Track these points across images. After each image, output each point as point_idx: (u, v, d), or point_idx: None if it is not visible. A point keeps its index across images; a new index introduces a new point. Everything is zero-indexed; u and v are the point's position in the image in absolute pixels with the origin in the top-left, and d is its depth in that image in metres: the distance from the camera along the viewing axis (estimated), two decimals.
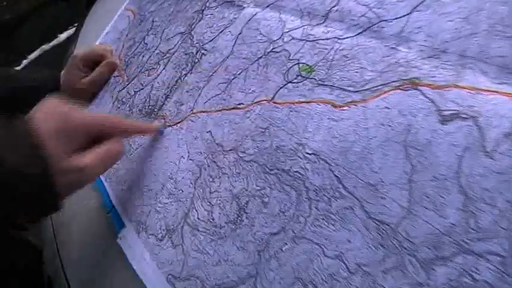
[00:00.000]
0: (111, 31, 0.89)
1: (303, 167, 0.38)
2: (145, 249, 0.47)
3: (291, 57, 0.45)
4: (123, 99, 0.65)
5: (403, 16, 0.40)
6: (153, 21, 0.74)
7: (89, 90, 0.75)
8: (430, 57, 0.36)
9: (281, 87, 0.44)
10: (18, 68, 3.00)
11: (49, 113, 0.41)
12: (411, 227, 0.31)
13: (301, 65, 0.44)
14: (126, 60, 0.73)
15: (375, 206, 0.33)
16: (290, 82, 0.44)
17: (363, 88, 0.38)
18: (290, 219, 0.37)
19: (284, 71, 0.45)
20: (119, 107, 0.65)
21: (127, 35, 0.81)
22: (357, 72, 0.39)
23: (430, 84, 0.34)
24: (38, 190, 0.38)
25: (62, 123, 0.41)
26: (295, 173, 0.38)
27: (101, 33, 0.94)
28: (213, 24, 0.58)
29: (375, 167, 0.34)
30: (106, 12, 1.09)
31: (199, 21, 0.61)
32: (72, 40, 1.17)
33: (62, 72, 0.78)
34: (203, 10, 0.62)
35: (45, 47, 3.07)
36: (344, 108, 0.38)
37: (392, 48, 0.39)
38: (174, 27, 0.66)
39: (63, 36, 3.05)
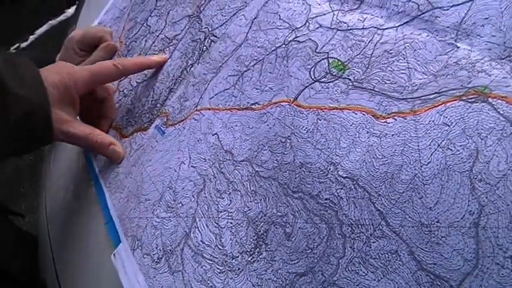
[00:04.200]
0: (111, 9, 0.81)
1: (336, 194, 0.30)
2: (139, 270, 0.40)
3: (318, 50, 0.37)
4: (125, 91, 0.58)
5: (464, 3, 0.31)
6: (156, 1, 0.65)
7: None
8: (502, 58, 0.28)
9: (306, 87, 0.36)
10: (25, 44, 2.97)
11: (51, 69, 0.48)
12: None
13: (331, 60, 0.36)
14: (127, 44, 0.65)
15: (428, 253, 0.25)
16: (317, 81, 0.36)
17: (412, 96, 0.30)
18: (319, 258, 0.29)
19: (309, 66, 0.37)
20: (120, 100, 0.57)
21: (128, 14, 0.73)
22: (403, 73, 0.31)
23: (504, 97, 0.26)
24: (35, 111, 0.42)
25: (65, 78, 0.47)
26: (326, 201, 0.30)
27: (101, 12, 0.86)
28: (225, 6, 0.50)
29: (429, 201, 0.26)
30: None
31: (209, 2, 0.53)
32: (74, 17, 1.09)
33: (57, 56, 0.70)
34: None
35: (53, 22, 3.01)
36: (388, 120, 0.30)
37: (450, 44, 0.31)
38: (181, 9, 0.58)
39: (70, 11, 2.99)
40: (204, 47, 0.48)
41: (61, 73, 0.47)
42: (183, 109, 0.45)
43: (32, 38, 3.00)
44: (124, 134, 0.53)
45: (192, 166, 0.41)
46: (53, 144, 0.82)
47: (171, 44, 0.55)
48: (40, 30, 3.01)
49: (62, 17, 3.01)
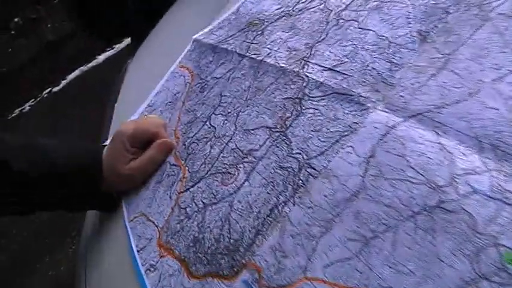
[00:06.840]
0: (162, 91, 0.73)
1: None
2: None
3: (479, 229, 0.28)
4: (188, 210, 0.48)
5: None
6: (221, 96, 0.57)
7: (138, 177, 0.60)
8: None
9: (469, 284, 0.27)
10: (57, 88, 3.00)
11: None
12: None
13: (503, 249, 0.27)
14: (187, 144, 0.57)
15: None
16: (486, 279, 0.26)
17: None
18: None
19: (469, 253, 0.28)
20: (182, 220, 0.48)
21: (183, 102, 0.65)
22: None
23: None
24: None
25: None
26: None
27: (146, 87, 0.78)
28: (321, 127, 0.41)
29: None
30: (155, 60, 0.94)
31: (298, 116, 0.44)
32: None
33: (104, 152, 0.62)
34: (301, 100, 0.45)
35: (84, 68, 3.05)
36: None
37: None
38: (255, 114, 0.50)
39: (101, 58, 3.02)
40: (300, 181, 0.39)
41: None
42: (281, 268, 0.36)
43: (64, 82, 3.05)
44: (194, 274, 0.43)
45: None
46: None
47: (245, 160, 0.46)
48: (71, 76, 3.05)
49: (93, 63, 3.05)
